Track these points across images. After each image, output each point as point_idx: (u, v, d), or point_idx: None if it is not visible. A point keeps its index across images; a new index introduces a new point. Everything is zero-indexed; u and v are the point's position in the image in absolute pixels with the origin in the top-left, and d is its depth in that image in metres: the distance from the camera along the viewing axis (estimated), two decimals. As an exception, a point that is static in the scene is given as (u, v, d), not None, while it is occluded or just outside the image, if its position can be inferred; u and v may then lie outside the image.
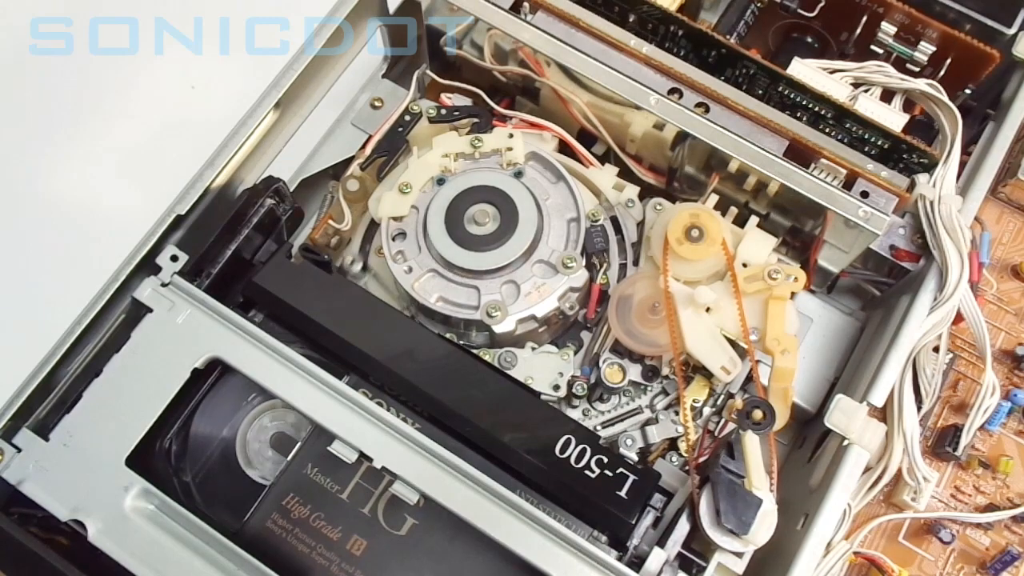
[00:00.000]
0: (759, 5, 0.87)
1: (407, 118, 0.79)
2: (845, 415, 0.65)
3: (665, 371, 0.72)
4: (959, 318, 0.70)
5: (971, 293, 0.69)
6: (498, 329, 0.70)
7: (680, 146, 0.75)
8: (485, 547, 0.64)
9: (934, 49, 0.80)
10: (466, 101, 0.80)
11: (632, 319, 0.71)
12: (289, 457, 0.68)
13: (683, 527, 0.64)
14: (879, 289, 0.77)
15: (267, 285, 0.71)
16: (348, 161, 0.81)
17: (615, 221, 0.77)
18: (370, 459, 0.64)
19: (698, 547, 0.64)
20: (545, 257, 0.72)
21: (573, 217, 0.74)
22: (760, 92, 0.77)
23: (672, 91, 0.74)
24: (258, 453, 0.71)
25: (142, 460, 0.65)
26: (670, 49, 0.77)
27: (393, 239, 0.73)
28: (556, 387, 0.72)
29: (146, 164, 1.04)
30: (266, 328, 0.68)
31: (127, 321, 0.69)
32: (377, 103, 0.83)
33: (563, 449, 0.66)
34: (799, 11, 0.84)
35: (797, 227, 0.76)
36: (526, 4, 0.77)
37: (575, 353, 0.74)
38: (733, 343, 0.70)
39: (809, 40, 0.86)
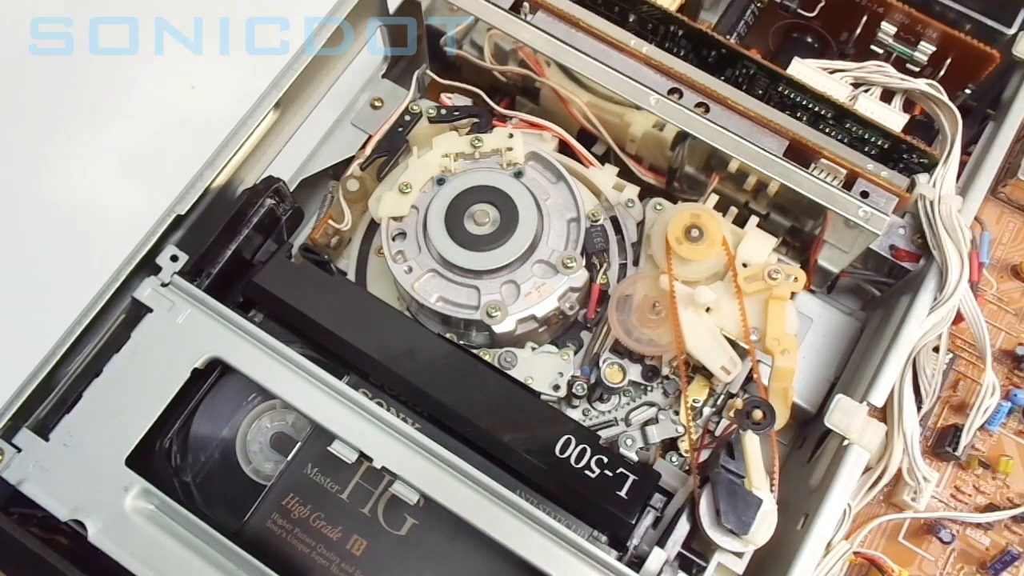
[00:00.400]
0: (759, 5, 0.87)
1: (407, 118, 0.79)
2: (845, 415, 0.65)
3: (665, 371, 0.72)
4: (959, 318, 0.70)
5: (971, 293, 0.69)
6: (498, 329, 0.70)
7: (680, 146, 0.75)
8: (485, 547, 0.64)
9: (934, 49, 0.80)
10: (466, 101, 0.80)
11: (632, 319, 0.71)
12: (289, 457, 0.68)
13: (683, 527, 0.64)
14: (879, 289, 0.77)
15: (267, 285, 0.72)
16: (348, 161, 0.81)
17: (615, 221, 0.77)
18: (370, 459, 0.64)
19: (698, 547, 0.64)
20: (545, 257, 0.72)
21: (573, 217, 0.74)
22: (760, 92, 0.77)
23: (672, 91, 0.74)
24: (258, 453, 0.71)
25: (142, 460, 0.65)
26: (670, 49, 0.77)
27: (393, 239, 0.73)
28: (556, 387, 0.72)
29: (146, 164, 1.04)
30: (266, 328, 0.68)
31: (127, 321, 0.69)
32: (377, 103, 0.83)
33: (563, 449, 0.66)
34: (799, 11, 0.84)
35: (797, 227, 0.76)
36: (526, 4, 0.77)
37: (575, 353, 0.74)
38: (733, 343, 0.70)
39: (809, 40, 0.86)
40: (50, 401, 0.67)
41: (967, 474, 0.75)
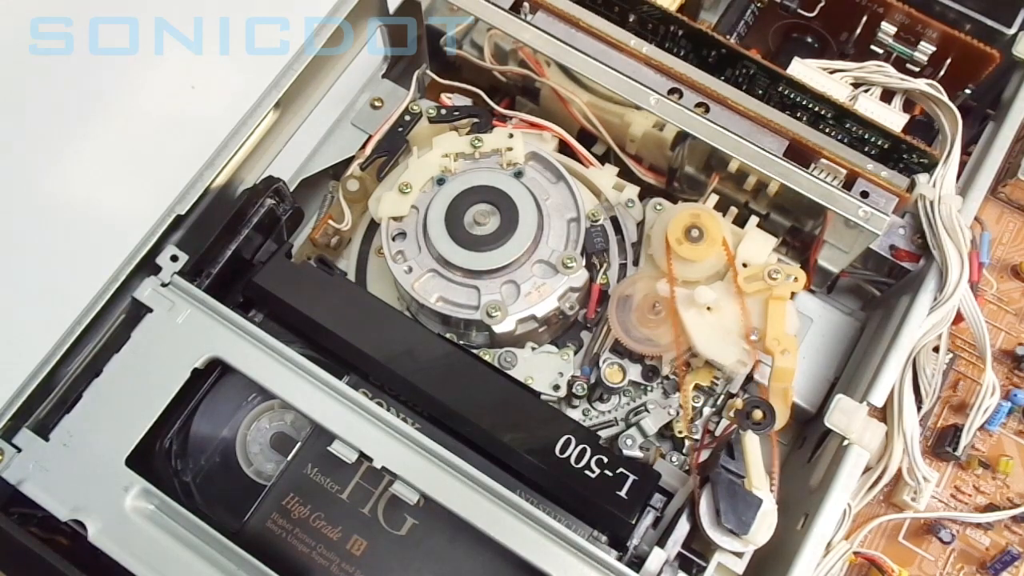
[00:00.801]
0: (759, 5, 0.87)
1: (407, 118, 0.79)
2: (845, 415, 0.65)
3: (665, 371, 0.72)
4: (959, 318, 0.70)
5: (971, 293, 0.69)
6: (498, 329, 0.70)
7: (680, 146, 0.75)
8: (485, 547, 0.64)
9: (934, 49, 0.80)
10: (466, 101, 0.80)
11: (632, 319, 0.71)
12: (289, 457, 0.68)
13: (683, 527, 0.64)
14: (879, 289, 0.77)
15: (267, 285, 0.72)
16: (348, 161, 0.81)
17: (615, 221, 0.77)
18: (370, 459, 0.64)
19: (698, 547, 0.64)
20: (545, 257, 0.72)
21: (573, 217, 0.74)
22: (760, 92, 0.77)
23: (672, 91, 0.74)
24: (258, 454, 0.71)
25: (142, 460, 0.65)
26: (670, 49, 0.77)
27: (393, 239, 0.73)
28: (556, 387, 0.72)
29: (146, 164, 1.04)
30: (266, 328, 0.68)
31: (127, 321, 0.69)
32: (377, 103, 0.83)
33: (563, 449, 0.66)
34: (799, 11, 0.84)
35: (797, 227, 0.76)
36: (526, 4, 0.77)
37: (575, 353, 0.74)
38: (733, 343, 0.70)
39: (809, 40, 0.86)
40: (50, 401, 0.67)
41: (967, 474, 0.75)
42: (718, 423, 0.72)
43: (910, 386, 0.69)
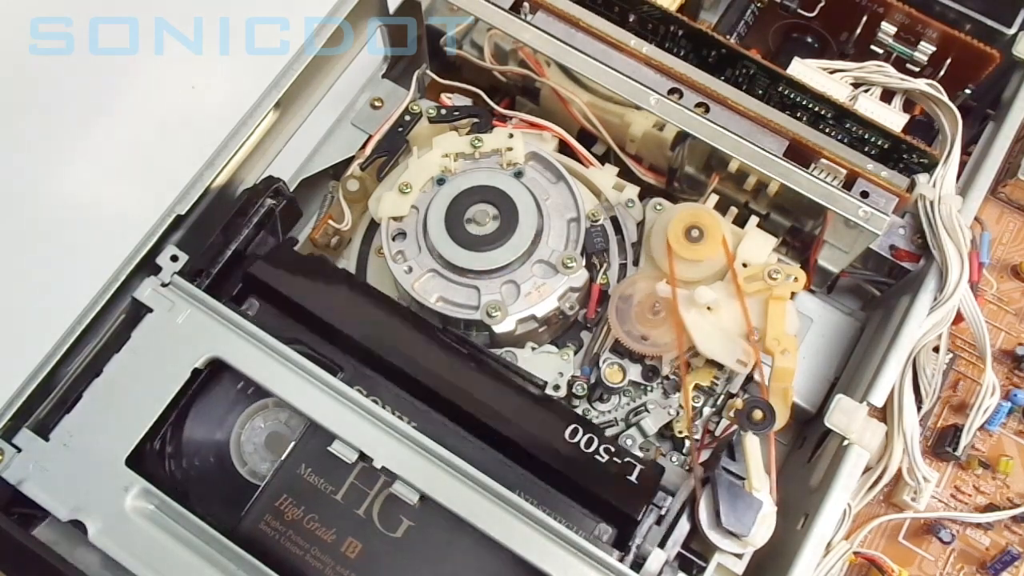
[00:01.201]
0: (759, 5, 0.87)
1: (407, 118, 0.79)
2: (845, 415, 0.65)
3: (665, 371, 0.72)
4: (959, 318, 0.70)
5: (971, 293, 0.69)
6: (498, 329, 0.70)
7: (680, 146, 0.75)
8: (483, 549, 0.64)
9: (934, 49, 0.80)
10: (466, 101, 0.80)
11: (632, 319, 0.71)
12: (283, 457, 0.67)
13: (683, 527, 0.64)
14: (879, 289, 0.77)
15: (264, 276, 0.71)
16: (348, 161, 0.81)
17: (615, 221, 0.77)
18: (370, 459, 0.64)
19: (698, 547, 0.64)
20: (545, 257, 0.72)
21: (573, 217, 0.74)
22: (760, 92, 0.77)
23: (672, 91, 0.74)
24: (253, 454, 0.70)
25: (142, 460, 0.65)
26: (670, 49, 0.77)
27: (393, 239, 0.73)
28: (556, 387, 0.72)
29: (146, 164, 1.04)
30: (262, 317, 0.67)
31: (127, 321, 0.69)
32: (377, 103, 0.83)
33: (572, 435, 0.66)
34: (799, 11, 0.84)
35: (797, 227, 0.76)
36: (526, 4, 0.77)
37: (575, 353, 0.74)
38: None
39: (809, 40, 0.86)
40: (50, 401, 0.67)
41: (967, 474, 0.75)
42: (718, 423, 0.72)
43: (910, 386, 0.69)
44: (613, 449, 0.66)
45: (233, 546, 0.62)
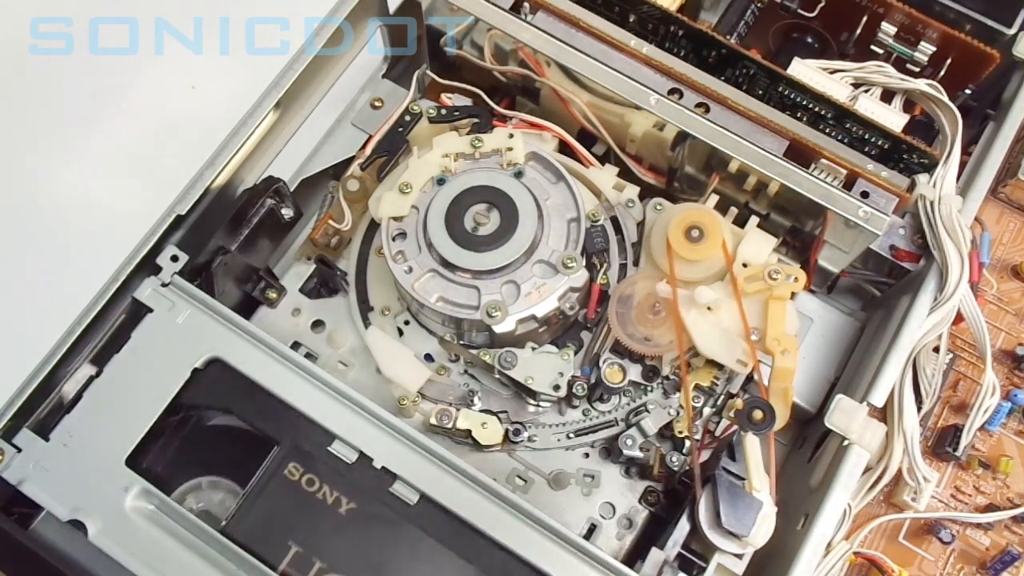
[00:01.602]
0: (759, 5, 0.87)
1: (407, 118, 0.79)
2: (845, 415, 0.65)
3: (665, 371, 0.72)
4: (959, 318, 0.70)
5: (971, 293, 0.69)
6: (498, 329, 0.70)
7: (680, 146, 0.75)
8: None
9: (934, 49, 0.80)
10: (466, 101, 0.80)
11: (632, 319, 0.71)
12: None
13: (683, 527, 0.64)
14: (879, 289, 0.77)
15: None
16: (348, 161, 0.81)
17: (615, 221, 0.77)
18: (370, 459, 0.64)
19: (698, 548, 0.64)
20: (545, 257, 0.72)
21: (573, 217, 0.74)
22: (760, 92, 0.77)
23: (672, 91, 0.74)
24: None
25: (142, 460, 0.65)
26: (670, 49, 0.77)
27: (393, 239, 0.73)
28: (556, 387, 0.72)
29: (146, 164, 1.04)
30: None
31: (127, 321, 0.69)
32: (377, 103, 0.83)
33: None
34: (799, 11, 0.84)
35: (797, 227, 0.76)
36: (526, 4, 0.77)
37: (575, 353, 0.74)
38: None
39: (809, 40, 0.86)
40: (50, 401, 0.67)
41: (967, 474, 0.75)
42: (718, 423, 0.72)
43: (910, 386, 0.69)
44: None
45: (233, 546, 0.63)
